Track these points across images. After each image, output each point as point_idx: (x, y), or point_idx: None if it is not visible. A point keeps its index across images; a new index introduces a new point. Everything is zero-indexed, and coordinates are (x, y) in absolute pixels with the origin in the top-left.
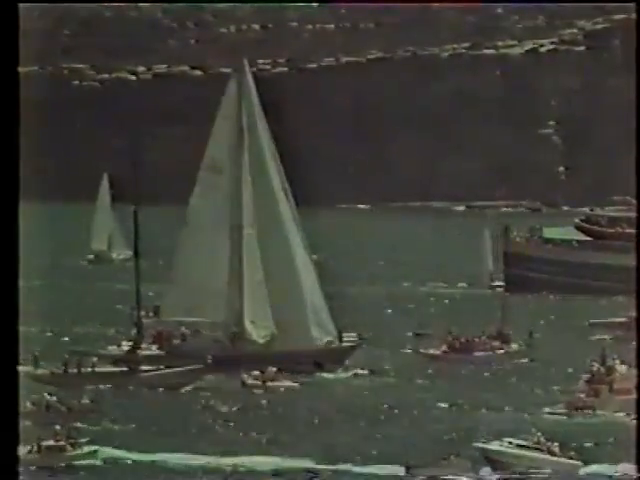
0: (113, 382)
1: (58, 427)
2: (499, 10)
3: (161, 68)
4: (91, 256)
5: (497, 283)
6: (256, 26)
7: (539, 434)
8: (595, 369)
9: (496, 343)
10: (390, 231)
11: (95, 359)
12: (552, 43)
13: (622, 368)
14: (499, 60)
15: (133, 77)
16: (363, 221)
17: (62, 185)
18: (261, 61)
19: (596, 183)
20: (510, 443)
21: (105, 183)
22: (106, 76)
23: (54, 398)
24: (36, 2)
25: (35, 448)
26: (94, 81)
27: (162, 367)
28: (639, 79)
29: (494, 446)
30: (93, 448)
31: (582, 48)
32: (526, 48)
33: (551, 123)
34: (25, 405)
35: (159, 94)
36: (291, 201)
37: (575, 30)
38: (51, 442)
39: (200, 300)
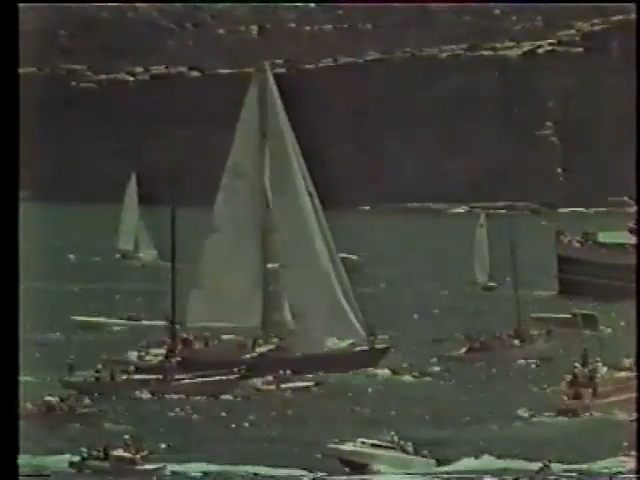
0: (148, 390)
1: (127, 437)
2: (497, 11)
3: (159, 69)
4: (118, 255)
5: (491, 284)
6: (254, 27)
7: (393, 433)
8: (577, 371)
9: (515, 342)
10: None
11: (132, 367)
12: (550, 44)
13: (603, 369)
14: (497, 61)
15: (131, 78)
16: (363, 222)
17: (57, 185)
18: (259, 62)
19: (594, 184)
20: (363, 443)
21: (133, 183)
22: (104, 77)
23: (55, 398)
24: (36, 2)
25: (102, 454)
26: (91, 82)
27: (197, 375)
28: (639, 81)
29: (348, 447)
30: (162, 464)
31: (580, 49)
32: (524, 49)
33: (549, 124)
34: (25, 407)
35: (157, 95)
36: (317, 204)
37: (573, 31)
38: (120, 452)
39: (226, 305)
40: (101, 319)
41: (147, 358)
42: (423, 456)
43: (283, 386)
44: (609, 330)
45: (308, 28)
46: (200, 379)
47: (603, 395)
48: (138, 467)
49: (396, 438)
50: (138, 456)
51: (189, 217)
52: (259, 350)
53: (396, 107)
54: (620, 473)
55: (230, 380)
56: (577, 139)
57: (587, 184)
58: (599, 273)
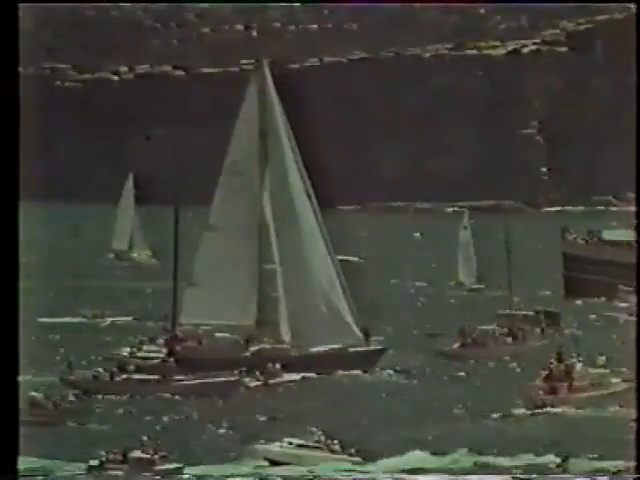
0: (147, 390)
1: (145, 438)
2: (482, 11)
3: (144, 68)
4: (111, 255)
5: (477, 286)
6: (239, 26)
7: (319, 432)
8: (553, 366)
9: (508, 339)
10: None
11: (131, 367)
12: (535, 44)
13: (578, 365)
14: (482, 60)
15: (115, 77)
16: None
17: (40, 184)
18: (244, 61)
19: (579, 183)
20: (290, 443)
21: (130, 183)
22: (88, 76)
23: (40, 395)
24: (36, 2)
25: (119, 457)
26: (76, 81)
27: (196, 377)
28: (639, 79)
29: (274, 447)
30: (179, 464)
31: (564, 49)
32: (509, 49)
33: (534, 123)
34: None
35: (141, 94)
36: (314, 204)
37: (558, 31)
38: (138, 453)
39: (220, 304)
40: (66, 319)
41: (139, 355)
42: (350, 455)
43: (271, 381)
44: (573, 329)
45: (293, 28)
46: (200, 380)
47: (579, 390)
48: (157, 468)
49: (323, 437)
50: (157, 457)
51: (171, 216)
52: (254, 349)
53: (381, 106)
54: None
55: (231, 381)
56: (561, 138)
57: (572, 183)
58: (604, 271)
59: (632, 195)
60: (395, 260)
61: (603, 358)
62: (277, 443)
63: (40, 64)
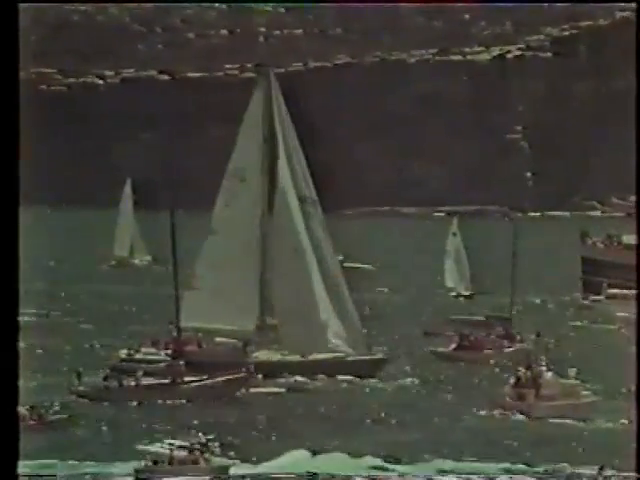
0: (157, 395)
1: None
2: (466, 16)
3: (129, 72)
4: (113, 262)
5: (466, 293)
6: (224, 31)
7: (200, 434)
8: (521, 373)
9: (505, 342)
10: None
11: (140, 373)
12: (519, 49)
13: (547, 374)
14: (466, 66)
15: (101, 81)
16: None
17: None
18: (229, 66)
19: (563, 188)
20: (171, 444)
21: (128, 188)
22: (73, 80)
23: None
24: (36, 2)
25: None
26: (62, 85)
27: (205, 377)
28: (639, 81)
29: (154, 447)
30: (225, 463)
31: (549, 54)
32: (493, 54)
33: (518, 128)
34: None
35: (127, 98)
36: (318, 210)
37: (542, 36)
38: (184, 453)
39: (222, 307)
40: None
41: (137, 357)
42: (230, 458)
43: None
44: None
45: (278, 32)
46: (210, 380)
47: (546, 398)
48: (202, 466)
49: (204, 439)
50: (202, 456)
51: (154, 219)
52: (255, 354)
53: (365, 111)
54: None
55: (238, 380)
56: (546, 143)
57: (556, 188)
58: (623, 275)
59: (616, 201)
60: (382, 266)
61: (574, 369)
62: (158, 444)
63: (26, 68)
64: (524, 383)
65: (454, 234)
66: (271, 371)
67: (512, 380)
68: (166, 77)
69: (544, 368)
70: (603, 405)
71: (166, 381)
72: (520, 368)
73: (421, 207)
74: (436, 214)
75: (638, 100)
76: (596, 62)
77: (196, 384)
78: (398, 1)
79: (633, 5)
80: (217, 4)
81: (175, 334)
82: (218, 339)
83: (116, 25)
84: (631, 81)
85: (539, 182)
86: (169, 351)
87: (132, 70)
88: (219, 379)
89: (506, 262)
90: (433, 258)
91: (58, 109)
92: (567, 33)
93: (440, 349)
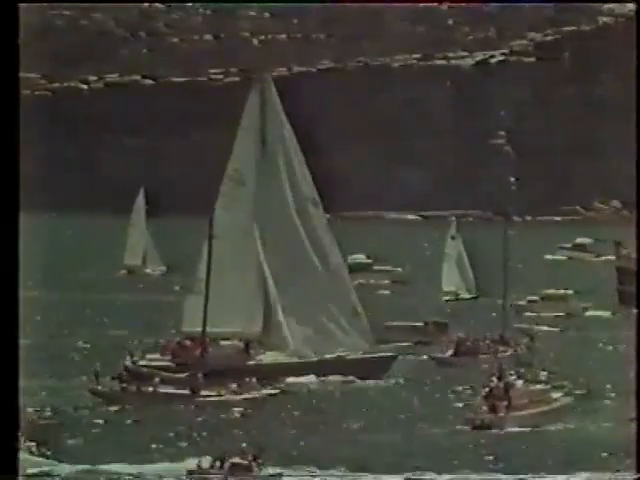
0: (173, 403)
1: (244, 444)
2: (450, 21)
3: (113, 77)
4: (124, 271)
5: (469, 295)
6: (208, 36)
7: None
8: (493, 384)
9: (500, 347)
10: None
11: (157, 379)
12: (502, 54)
13: (518, 382)
14: (450, 71)
15: (85, 86)
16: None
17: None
18: (213, 71)
19: (547, 193)
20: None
21: (140, 197)
22: (57, 85)
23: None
24: (36, 2)
25: (218, 463)
26: (46, 90)
27: (222, 393)
28: (639, 82)
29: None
30: (278, 470)
31: (532, 59)
32: (477, 59)
33: (502, 133)
34: None
35: (111, 103)
36: (320, 211)
37: (525, 41)
38: (237, 459)
39: (223, 311)
40: None
41: (141, 363)
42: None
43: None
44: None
45: (262, 37)
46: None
47: (518, 408)
48: (255, 474)
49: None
50: (255, 463)
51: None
52: (261, 357)
53: (349, 116)
54: None
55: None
56: (530, 148)
57: (540, 193)
58: None
59: (600, 205)
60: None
61: (544, 373)
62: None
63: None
64: (495, 394)
65: (452, 237)
66: (277, 373)
67: (484, 391)
68: (150, 82)
69: (514, 377)
70: (579, 406)
71: (186, 392)
72: (492, 378)
73: (404, 212)
74: (418, 218)
75: (638, 101)
76: (580, 67)
77: (214, 399)
78: (392, 1)
79: (633, 5)
80: (201, 9)
81: (178, 339)
82: (222, 342)
83: (100, 30)
84: (611, 87)
85: (523, 187)
86: (175, 357)
87: (116, 75)
88: (237, 397)
89: (497, 265)
90: (423, 262)
91: (42, 114)
92: (550, 38)
93: (439, 355)
